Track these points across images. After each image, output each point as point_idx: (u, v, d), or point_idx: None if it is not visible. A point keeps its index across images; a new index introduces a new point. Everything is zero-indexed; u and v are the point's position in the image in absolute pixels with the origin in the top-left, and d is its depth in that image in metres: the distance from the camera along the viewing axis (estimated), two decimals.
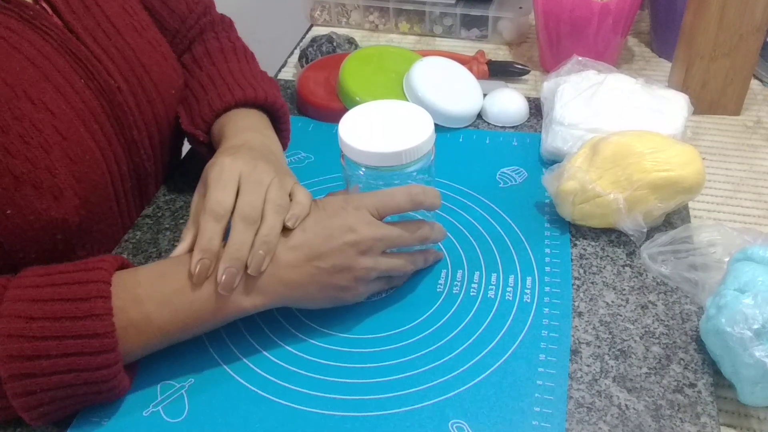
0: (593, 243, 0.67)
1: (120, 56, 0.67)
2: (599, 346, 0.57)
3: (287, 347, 0.58)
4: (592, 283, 0.63)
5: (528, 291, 0.62)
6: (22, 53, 0.59)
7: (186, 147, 0.83)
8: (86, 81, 0.63)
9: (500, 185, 0.75)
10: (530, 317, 0.60)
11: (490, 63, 0.96)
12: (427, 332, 0.59)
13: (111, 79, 0.65)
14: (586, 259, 0.66)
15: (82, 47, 0.64)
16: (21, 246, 0.59)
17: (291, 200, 0.57)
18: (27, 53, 0.59)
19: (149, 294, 0.52)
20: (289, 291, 0.55)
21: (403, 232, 0.58)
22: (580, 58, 0.83)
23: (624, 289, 0.62)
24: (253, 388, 0.55)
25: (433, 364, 0.56)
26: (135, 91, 0.68)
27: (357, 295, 0.59)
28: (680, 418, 0.52)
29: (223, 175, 0.56)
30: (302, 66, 1.00)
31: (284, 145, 0.73)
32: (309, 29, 1.16)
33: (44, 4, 0.63)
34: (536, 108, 0.87)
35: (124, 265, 0.55)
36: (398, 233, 0.58)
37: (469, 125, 0.86)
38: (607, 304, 0.61)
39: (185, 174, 0.79)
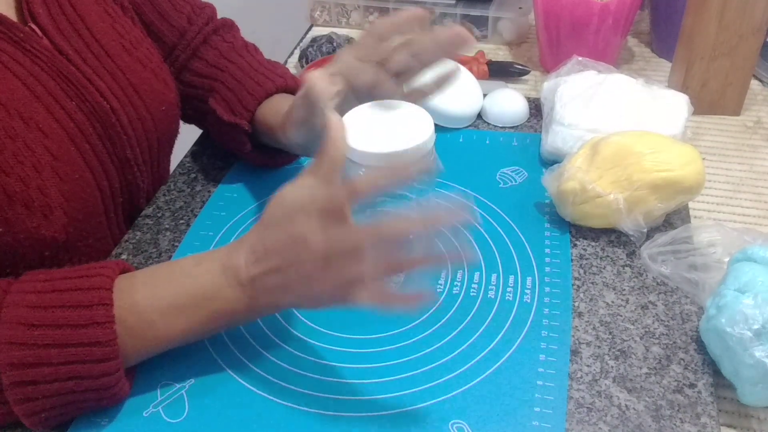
0: (593, 243, 0.67)
1: (110, 77, 0.68)
2: (599, 347, 0.57)
3: (287, 347, 0.58)
4: (592, 283, 0.63)
5: (528, 291, 0.62)
6: (13, 74, 0.59)
7: (181, 153, 0.83)
8: (78, 103, 0.64)
9: (500, 185, 0.75)
10: (530, 317, 0.60)
11: (490, 63, 0.96)
12: (427, 332, 0.59)
13: (103, 101, 0.66)
14: (586, 259, 0.66)
15: (73, 69, 0.64)
16: (9, 262, 0.59)
17: None
18: (18, 74, 0.59)
19: (146, 302, 0.52)
20: (273, 301, 0.53)
21: (363, 243, 0.48)
22: (580, 59, 0.83)
23: (624, 290, 0.62)
24: (253, 389, 0.55)
25: (433, 364, 0.56)
26: (127, 111, 0.69)
27: (348, 302, 0.51)
28: (680, 419, 0.52)
29: None
30: (302, 66, 1.00)
31: None
32: (309, 29, 1.16)
33: (34, 26, 0.63)
34: (536, 108, 0.87)
35: (125, 270, 0.55)
36: (360, 240, 0.48)
37: (469, 125, 0.86)
38: (607, 304, 0.61)
39: (185, 174, 0.80)
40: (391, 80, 0.65)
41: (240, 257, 0.52)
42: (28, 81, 0.60)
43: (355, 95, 0.65)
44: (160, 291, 0.52)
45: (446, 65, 0.68)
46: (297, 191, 0.51)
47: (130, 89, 0.69)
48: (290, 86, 0.75)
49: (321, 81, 0.60)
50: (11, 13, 0.62)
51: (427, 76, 0.69)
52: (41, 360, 0.48)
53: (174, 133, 0.78)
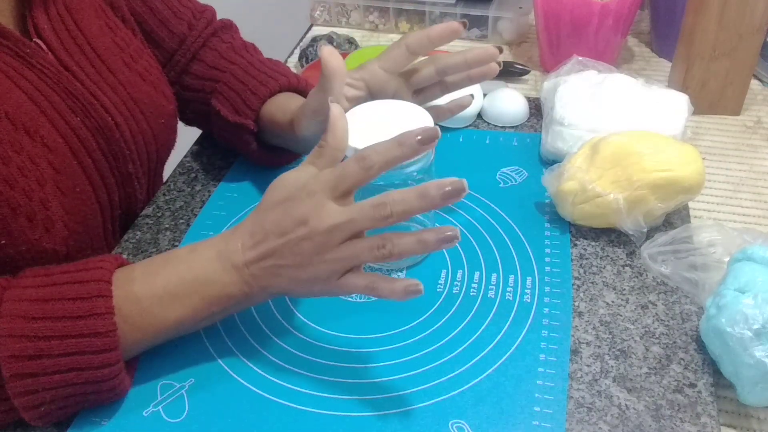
0: (593, 243, 0.67)
1: (112, 92, 0.68)
2: (599, 346, 0.57)
3: (287, 347, 0.58)
4: (592, 283, 0.63)
5: (528, 291, 0.62)
6: (19, 88, 0.59)
7: (181, 152, 0.83)
8: (83, 119, 0.64)
9: (500, 185, 0.75)
10: (530, 317, 0.60)
11: None
12: (427, 332, 0.59)
13: (108, 116, 0.66)
14: (586, 259, 0.66)
15: (78, 84, 0.64)
16: (12, 274, 0.59)
17: None
18: (24, 89, 0.60)
19: (143, 291, 0.52)
20: (267, 286, 0.53)
21: (366, 212, 0.49)
22: (580, 58, 0.83)
23: (624, 289, 0.62)
24: (253, 388, 0.55)
25: (433, 364, 0.56)
26: (130, 125, 0.69)
27: (341, 289, 0.52)
28: (680, 418, 0.52)
29: None
30: (302, 66, 1.00)
31: None
32: (309, 29, 1.16)
33: (39, 41, 0.63)
34: (536, 108, 0.87)
35: (122, 265, 0.55)
36: (358, 216, 0.49)
37: (469, 125, 0.86)
38: (607, 304, 0.61)
39: (185, 174, 0.80)
40: (412, 95, 0.65)
41: (236, 242, 0.53)
42: (34, 96, 0.60)
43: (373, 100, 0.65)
44: (155, 279, 0.53)
45: (463, 92, 0.67)
46: (298, 174, 0.52)
47: (131, 103, 0.69)
48: (293, 85, 0.75)
49: (335, 57, 0.60)
50: (15, 28, 0.62)
51: (443, 100, 0.69)
52: (41, 352, 0.48)
53: (171, 145, 0.79)
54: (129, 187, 0.71)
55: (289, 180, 0.53)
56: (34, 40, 0.63)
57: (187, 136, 0.86)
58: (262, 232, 0.52)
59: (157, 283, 0.53)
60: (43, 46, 0.63)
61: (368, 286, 0.50)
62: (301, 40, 1.12)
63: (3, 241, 0.58)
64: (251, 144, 0.74)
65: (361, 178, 0.50)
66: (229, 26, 0.84)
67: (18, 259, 0.59)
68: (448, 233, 0.48)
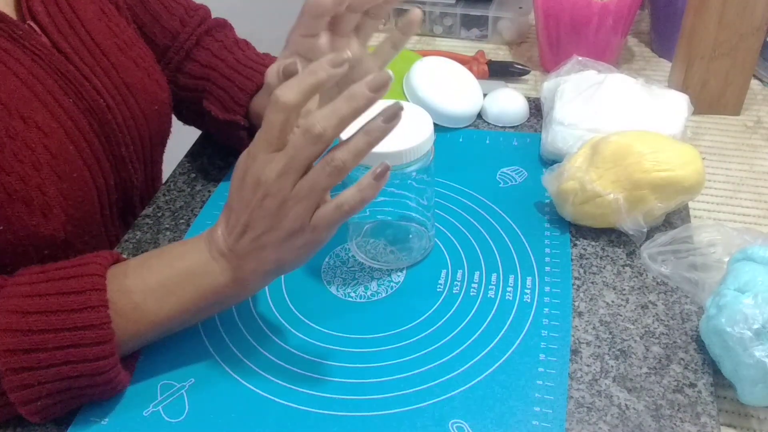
0: (593, 243, 0.67)
1: (105, 75, 0.68)
2: (599, 346, 0.57)
3: (287, 347, 0.58)
4: (592, 282, 0.63)
5: (528, 291, 0.62)
6: (13, 72, 0.60)
7: (181, 153, 0.83)
8: (75, 101, 0.64)
9: (500, 185, 0.75)
10: (530, 317, 0.60)
11: (490, 63, 0.96)
12: (427, 332, 0.59)
13: (100, 98, 0.66)
14: (586, 258, 0.66)
15: (71, 67, 0.64)
16: (10, 260, 0.60)
17: None
18: (18, 73, 0.60)
19: (136, 284, 0.53)
20: (257, 266, 0.53)
21: (300, 141, 0.49)
22: (580, 58, 0.83)
23: (624, 289, 0.62)
24: (253, 388, 0.55)
25: (433, 364, 0.56)
26: (121, 109, 0.69)
27: (319, 230, 0.51)
28: (680, 418, 0.52)
29: None
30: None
31: None
32: None
33: (32, 24, 0.63)
34: (536, 108, 0.87)
35: (118, 260, 0.56)
36: (295, 150, 0.49)
37: (469, 125, 0.86)
38: (607, 304, 0.61)
39: (185, 174, 0.80)
40: (351, 42, 0.63)
41: (217, 230, 0.54)
42: (28, 80, 0.60)
43: None
44: (149, 273, 0.53)
45: (409, 14, 0.65)
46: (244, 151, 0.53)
47: (123, 88, 0.70)
48: None
49: (276, 77, 0.60)
50: (9, 11, 0.63)
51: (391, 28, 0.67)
52: (36, 345, 0.49)
53: (166, 133, 0.79)
54: (123, 172, 0.71)
55: (239, 159, 0.53)
56: (27, 22, 0.63)
57: (186, 136, 0.86)
58: (234, 214, 0.53)
59: (151, 276, 0.53)
60: (37, 29, 0.63)
61: (338, 204, 0.50)
62: None
63: (1, 228, 0.58)
64: (245, 140, 0.74)
65: (281, 120, 0.48)
66: (223, 25, 0.84)
67: (17, 246, 0.59)
68: (390, 111, 0.47)
